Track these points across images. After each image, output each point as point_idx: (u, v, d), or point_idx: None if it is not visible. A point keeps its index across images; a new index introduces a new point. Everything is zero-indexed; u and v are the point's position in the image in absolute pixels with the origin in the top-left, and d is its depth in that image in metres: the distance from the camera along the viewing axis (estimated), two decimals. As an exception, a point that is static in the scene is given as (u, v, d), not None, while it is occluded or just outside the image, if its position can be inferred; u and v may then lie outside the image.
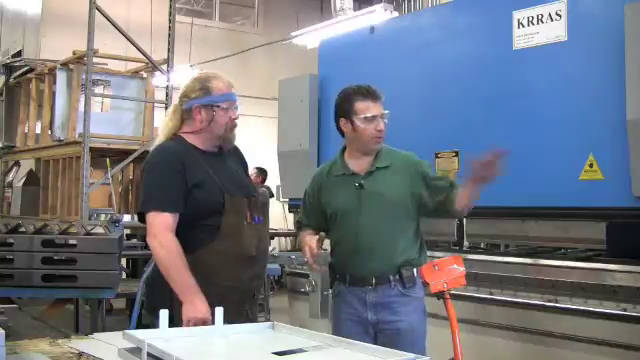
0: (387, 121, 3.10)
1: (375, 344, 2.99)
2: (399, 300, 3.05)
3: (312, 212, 3.29)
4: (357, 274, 3.09)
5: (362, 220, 3.06)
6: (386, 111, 3.10)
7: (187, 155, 2.78)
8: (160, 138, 2.92)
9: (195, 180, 2.73)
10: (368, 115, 3.05)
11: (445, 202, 3.09)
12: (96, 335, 2.82)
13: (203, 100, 2.82)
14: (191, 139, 2.85)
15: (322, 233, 3.16)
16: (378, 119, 3.07)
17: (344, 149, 3.24)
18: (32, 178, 8.23)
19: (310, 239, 3.07)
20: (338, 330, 3.13)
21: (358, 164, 3.15)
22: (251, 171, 9.43)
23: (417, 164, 3.18)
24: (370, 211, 3.06)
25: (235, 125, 2.90)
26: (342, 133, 3.19)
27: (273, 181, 9.53)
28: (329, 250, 3.33)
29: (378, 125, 3.07)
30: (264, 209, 2.97)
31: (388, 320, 3.05)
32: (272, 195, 9.58)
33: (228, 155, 2.96)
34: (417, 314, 3.11)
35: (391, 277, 3.05)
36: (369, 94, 3.08)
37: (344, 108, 3.13)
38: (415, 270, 3.10)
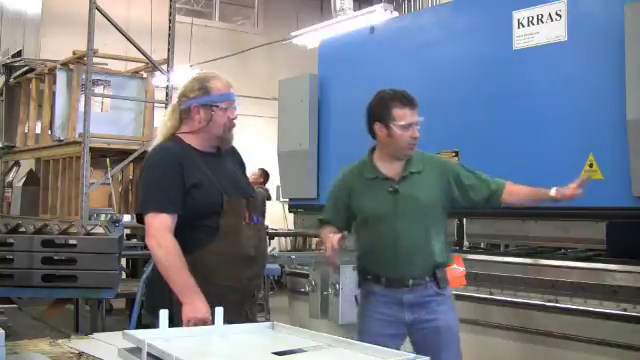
0: (420, 128, 3.11)
1: (410, 345, 3.08)
2: (436, 299, 3.09)
3: (337, 212, 3.28)
4: (393, 277, 3.10)
5: (399, 226, 3.06)
6: (421, 118, 3.11)
7: (185, 155, 2.78)
8: (158, 138, 2.91)
9: (193, 180, 2.73)
10: (405, 122, 3.06)
11: (485, 203, 3.18)
12: (96, 335, 2.82)
13: (202, 100, 2.82)
14: (189, 139, 2.84)
15: (345, 232, 3.15)
16: (414, 126, 3.08)
17: (372, 151, 3.24)
18: (32, 178, 8.23)
19: (333, 236, 3.04)
20: (366, 329, 3.15)
21: (390, 168, 3.15)
22: (255, 171, 9.45)
23: (450, 170, 3.19)
24: (406, 216, 3.07)
25: (234, 125, 2.89)
26: (374, 136, 3.18)
27: (273, 181, 9.53)
28: (350, 250, 3.32)
29: (413, 133, 3.08)
30: (262, 209, 2.97)
31: (426, 319, 3.08)
32: (269, 198, 9.58)
33: (226, 155, 2.95)
34: (452, 312, 3.15)
35: (427, 278, 3.08)
36: (407, 101, 3.09)
37: (380, 112, 3.11)
38: (446, 270, 3.15)
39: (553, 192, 3.09)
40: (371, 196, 3.14)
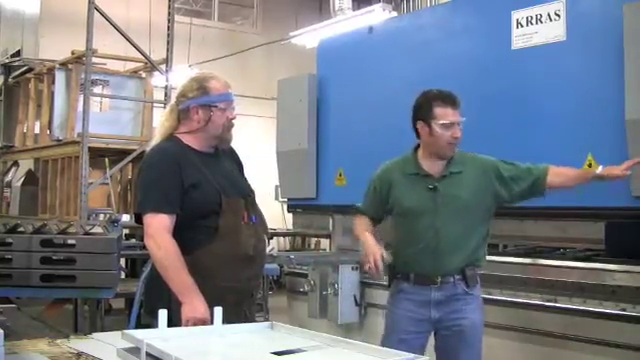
0: (462, 127, 3.14)
1: (434, 343, 3.13)
2: (463, 298, 3.12)
3: (374, 203, 3.33)
4: (422, 273, 3.14)
5: (438, 223, 3.10)
6: (463, 118, 3.14)
7: (183, 156, 2.77)
8: (157, 138, 2.91)
9: (191, 181, 2.72)
10: (446, 122, 3.10)
11: (530, 190, 3.17)
12: (95, 335, 2.82)
13: (201, 100, 2.82)
14: (187, 139, 2.84)
15: (387, 256, 3.12)
16: (455, 126, 3.12)
17: (416, 149, 3.27)
18: (31, 178, 8.23)
19: (378, 249, 3.08)
20: (393, 326, 3.20)
21: (432, 166, 3.19)
22: None
23: (490, 167, 3.20)
24: (445, 215, 3.10)
25: (232, 125, 2.90)
26: (418, 135, 3.22)
27: (272, 181, 9.53)
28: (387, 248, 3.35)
29: (455, 132, 3.12)
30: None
31: (452, 317, 3.11)
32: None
33: (224, 155, 2.95)
34: (478, 312, 3.17)
35: (456, 276, 3.11)
36: (449, 100, 3.14)
37: (423, 111, 3.16)
38: (477, 269, 3.18)
39: (600, 170, 3.10)
40: (411, 191, 3.19)
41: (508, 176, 3.16)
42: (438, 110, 3.11)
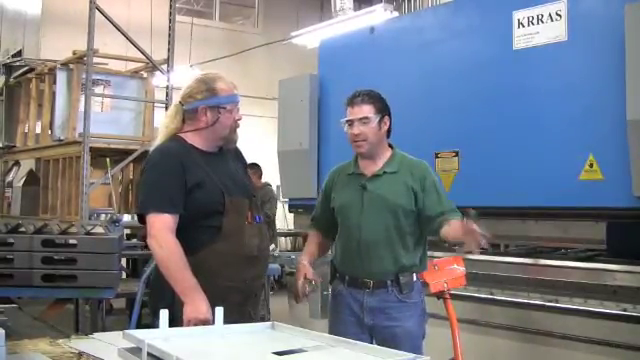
0: (375, 125, 3.09)
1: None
2: (396, 306, 3.05)
3: (322, 207, 3.35)
4: (355, 276, 3.11)
5: (363, 221, 3.08)
6: (370, 115, 3.08)
7: (186, 155, 2.77)
8: (160, 138, 2.90)
9: (195, 180, 2.72)
10: (346, 119, 3.13)
11: (426, 225, 3.09)
12: (96, 335, 2.82)
13: (210, 101, 2.81)
14: (191, 139, 2.84)
15: (316, 280, 3.15)
16: (354, 124, 3.10)
17: None
18: (32, 178, 8.24)
19: (308, 270, 3.13)
20: (335, 328, 3.15)
21: (367, 165, 3.18)
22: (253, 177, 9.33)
23: (420, 175, 3.12)
24: (371, 213, 3.08)
25: (238, 126, 2.90)
26: None
27: (274, 181, 9.53)
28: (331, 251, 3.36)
29: (352, 130, 3.11)
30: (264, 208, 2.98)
31: (384, 325, 3.05)
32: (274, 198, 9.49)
33: (228, 155, 2.95)
34: (414, 319, 3.10)
35: (389, 282, 3.05)
36: (351, 98, 3.14)
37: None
38: (414, 276, 3.11)
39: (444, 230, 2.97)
40: (345, 190, 3.21)
41: (425, 198, 3.06)
42: (347, 109, 3.15)
